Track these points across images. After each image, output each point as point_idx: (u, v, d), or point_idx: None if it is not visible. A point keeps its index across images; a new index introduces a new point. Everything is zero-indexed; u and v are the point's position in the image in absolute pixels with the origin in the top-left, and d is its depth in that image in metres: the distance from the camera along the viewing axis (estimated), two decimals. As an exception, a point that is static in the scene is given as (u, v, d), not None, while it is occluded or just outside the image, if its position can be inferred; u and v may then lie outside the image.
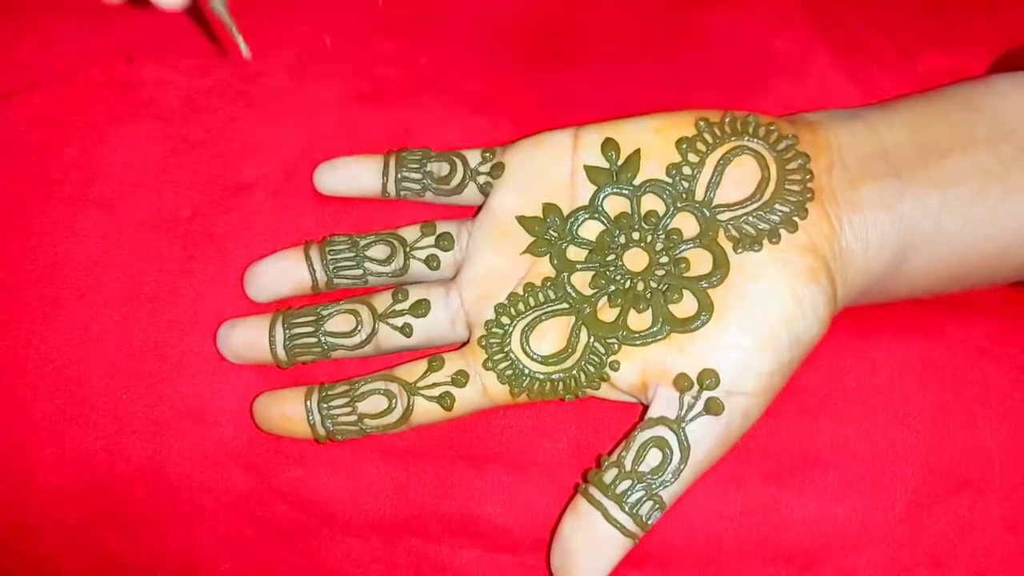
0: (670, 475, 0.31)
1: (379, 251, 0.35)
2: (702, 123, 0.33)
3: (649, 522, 0.31)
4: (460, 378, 0.33)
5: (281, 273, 0.36)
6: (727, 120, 0.33)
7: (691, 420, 0.31)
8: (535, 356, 0.33)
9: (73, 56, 0.39)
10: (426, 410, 0.33)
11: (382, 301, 0.35)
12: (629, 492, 0.31)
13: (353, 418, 0.33)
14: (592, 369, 0.32)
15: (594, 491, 0.31)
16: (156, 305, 0.36)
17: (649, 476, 0.31)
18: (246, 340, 0.35)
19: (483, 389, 0.33)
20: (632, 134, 0.34)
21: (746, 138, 0.33)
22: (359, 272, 0.35)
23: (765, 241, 0.32)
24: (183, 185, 0.38)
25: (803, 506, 0.34)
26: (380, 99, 0.39)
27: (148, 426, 0.35)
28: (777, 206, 0.32)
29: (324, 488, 0.35)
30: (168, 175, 0.38)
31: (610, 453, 0.32)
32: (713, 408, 0.31)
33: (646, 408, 0.32)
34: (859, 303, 0.34)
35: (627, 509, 0.30)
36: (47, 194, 0.37)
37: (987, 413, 0.35)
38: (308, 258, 0.35)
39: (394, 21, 0.40)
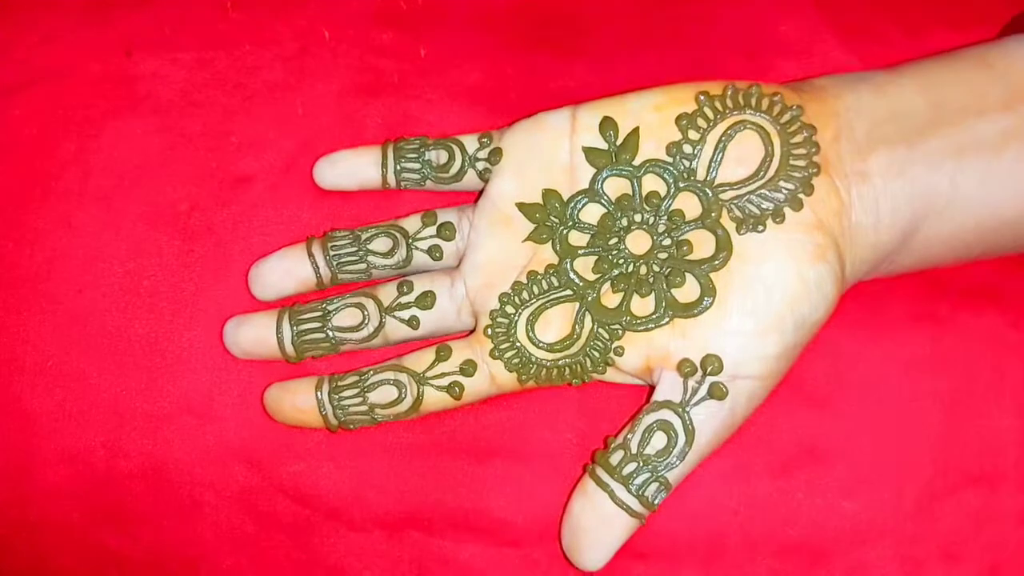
0: (675, 458, 0.31)
1: (381, 244, 0.35)
2: (702, 97, 0.32)
3: (655, 503, 0.31)
4: (468, 367, 0.33)
5: (285, 271, 0.35)
6: (729, 92, 0.32)
7: (695, 404, 0.31)
8: (541, 344, 0.33)
9: (71, 51, 0.39)
10: (436, 399, 0.33)
11: (387, 294, 0.34)
12: (635, 474, 0.31)
13: (364, 408, 0.33)
14: (597, 355, 0.32)
15: (601, 472, 0.31)
16: (155, 300, 0.36)
17: (654, 459, 0.31)
18: (254, 337, 0.35)
19: (491, 377, 0.33)
20: (631, 112, 0.33)
21: (748, 112, 0.32)
22: (363, 266, 0.35)
23: (769, 221, 0.31)
24: (181, 179, 0.37)
25: (810, 499, 0.33)
26: (379, 91, 0.38)
27: (148, 422, 0.35)
28: (782, 183, 0.31)
29: (326, 483, 0.35)
30: (166, 169, 0.37)
31: (617, 434, 0.32)
32: (717, 393, 0.30)
33: (652, 389, 0.32)
34: (871, 277, 0.33)
35: (633, 491, 0.31)
36: (45, 189, 0.37)
37: (1000, 403, 0.34)
38: (311, 255, 0.35)
39: (392, 13, 0.40)
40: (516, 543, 0.34)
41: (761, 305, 0.30)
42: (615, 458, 0.31)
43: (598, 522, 0.31)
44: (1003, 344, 0.35)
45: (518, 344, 0.33)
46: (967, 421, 0.34)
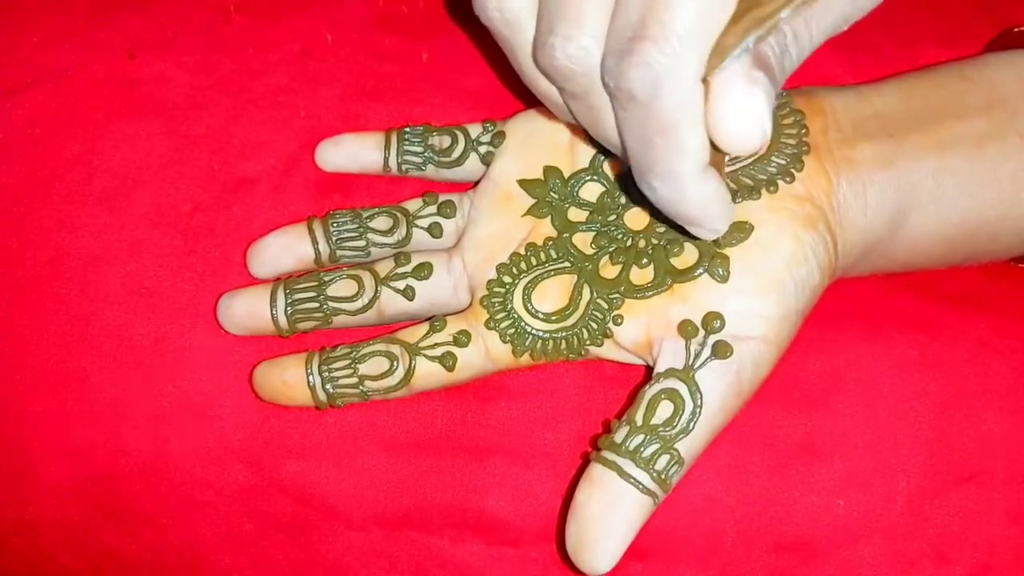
0: (684, 423, 0.30)
1: (382, 222, 0.36)
2: None
3: (667, 479, 0.30)
4: (462, 337, 0.33)
5: (284, 246, 0.36)
6: None
7: (700, 367, 0.30)
8: (537, 314, 0.33)
9: (75, 53, 0.39)
10: (428, 371, 0.33)
11: (384, 266, 0.35)
12: (643, 446, 0.29)
13: (354, 380, 0.33)
14: (595, 325, 0.32)
15: (606, 453, 0.30)
16: (156, 300, 0.36)
17: (662, 428, 0.30)
18: (247, 308, 0.35)
19: (485, 350, 0.33)
20: None
21: None
22: (362, 243, 0.35)
23: (763, 190, 0.32)
24: (184, 180, 0.38)
25: (805, 497, 0.34)
26: (380, 95, 0.39)
27: (148, 421, 0.35)
28: (774, 159, 0.32)
29: (325, 482, 0.35)
30: (169, 171, 0.38)
31: (618, 417, 0.31)
32: (721, 351, 0.30)
33: (651, 370, 0.32)
34: (863, 268, 0.34)
35: (643, 464, 0.29)
36: (48, 190, 0.37)
37: (989, 405, 0.35)
38: (311, 231, 0.36)
39: (394, 17, 0.40)
40: (515, 543, 0.35)
41: (760, 265, 0.31)
42: (620, 435, 0.30)
43: (607, 506, 0.29)
44: (989, 349, 0.35)
45: (514, 314, 0.33)
46: (957, 422, 0.34)
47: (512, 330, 0.33)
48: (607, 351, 0.33)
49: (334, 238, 0.35)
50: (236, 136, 0.38)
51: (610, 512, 0.29)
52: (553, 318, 0.33)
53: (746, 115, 0.24)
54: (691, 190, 0.26)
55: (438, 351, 0.33)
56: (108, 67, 0.39)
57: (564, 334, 0.33)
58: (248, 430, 0.35)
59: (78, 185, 0.37)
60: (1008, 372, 0.35)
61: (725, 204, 0.28)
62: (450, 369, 0.33)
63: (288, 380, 0.34)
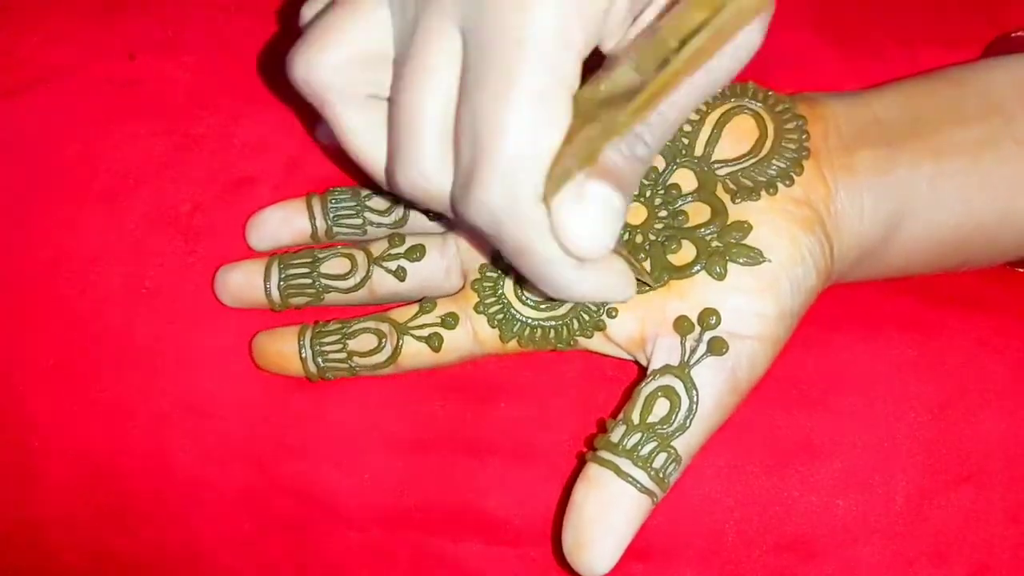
0: (681, 420, 0.30)
1: (380, 202, 0.36)
2: None
3: (665, 478, 0.30)
4: (450, 319, 0.33)
5: (282, 220, 0.36)
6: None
7: (696, 364, 0.30)
8: (527, 301, 0.33)
9: (75, 53, 0.39)
10: (415, 351, 0.33)
11: (378, 246, 0.35)
12: (640, 445, 0.30)
13: (343, 355, 0.34)
14: (587, 317, 0.32)
15: (603, 453, 0.30)
16: (157, 300, 0.36)
17: (659, 426, 0.30)
18: (242, 281, 0.35)
19: (473, 333, 0.33)
20: None
21: (745, 100, 0.33)
22: (359, 221, 0.36)
23: (763, 192, 0.32)
24: (184, 180, 0.38)
25: (804, 497, 0.34)
26: (381, 94, 0.39)
27: (150, 420, 0.36)
28: (774, 161, 0.32)
29: (326, 481, 0.35)
30: (170, 170, 0.38)
31: (614, 416, 0.32)
32: (716, 347, 0.30)
33: (645, 369, 0.32)
34: (858, 274, 0.34)
35: (640, 463, 0.29)
36: (49, 190, 0.37)
37: (988, 405, 0.35)
38: (309, 206, 0.36)
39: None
40: (514, 542, 0.35)
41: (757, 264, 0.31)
42: (616, 434, 0.30)
43: (605, 506, 0.29)
44: (988, 349, 0.35)
45: (504, 300, 0.33)
46: (955, 422, 0.34)
47: (500, 316, 0.33)
48: (596, 344, 0.33)
49: (331, 215, 0.36)
50: (237, 136, 0.38)
51: (608, 512, 0.29)
52: (543, 307, 0.33)
53: (580, 231, 0.25)
54: (574, 287, 0.27)
55: (425, 331, 0.33)
56: (108, 67, 0.39)
57: (553, 323, 0.33)
58: (249, 430, 0.35)
59: (78, 185, 0.37)
60: (1007, 372, 0.35)
61: (617, 278, 0.28)
62: (436, 350, 0.33)
63: (283, 351, 0.34)
